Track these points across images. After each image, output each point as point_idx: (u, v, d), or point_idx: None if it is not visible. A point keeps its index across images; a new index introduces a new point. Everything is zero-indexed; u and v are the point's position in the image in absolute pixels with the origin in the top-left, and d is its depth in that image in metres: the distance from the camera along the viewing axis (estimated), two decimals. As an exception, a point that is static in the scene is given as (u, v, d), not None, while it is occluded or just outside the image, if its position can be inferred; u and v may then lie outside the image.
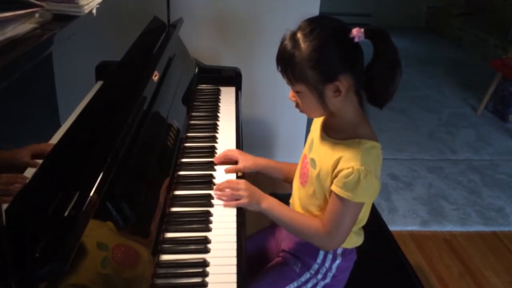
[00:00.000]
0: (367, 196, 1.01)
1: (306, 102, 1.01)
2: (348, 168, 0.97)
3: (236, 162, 1.31)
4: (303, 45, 0.95)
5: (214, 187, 1.20)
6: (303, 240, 1.13)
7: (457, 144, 3.06)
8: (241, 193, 1.14)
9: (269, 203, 1.11)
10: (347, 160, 0.99)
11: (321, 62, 0.94)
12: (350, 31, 0.95)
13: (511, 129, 3.30)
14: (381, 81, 0.96)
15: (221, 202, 1.16)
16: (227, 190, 1.16)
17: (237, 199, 1.14)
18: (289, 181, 1.29)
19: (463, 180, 2.64)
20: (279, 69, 1.01)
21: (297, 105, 1.04)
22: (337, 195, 1.00)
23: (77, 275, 0.72)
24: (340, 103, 1.00)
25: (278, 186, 2.50)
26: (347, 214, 1.01)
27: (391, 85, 0.96)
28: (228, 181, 1.20)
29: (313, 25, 0.96)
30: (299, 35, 0.96)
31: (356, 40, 0.95)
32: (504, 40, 4.31)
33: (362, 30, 0.94)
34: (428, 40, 5.38)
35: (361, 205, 1.02)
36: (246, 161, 1.30)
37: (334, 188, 1.00)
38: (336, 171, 1.00)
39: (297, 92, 1.01)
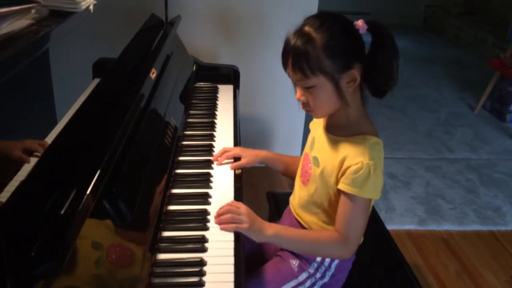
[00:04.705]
0: (374, 192, 1.00)
1: (320, 97, 0.99)
2: (356, 163, 0.97)
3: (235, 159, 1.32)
4: (316, 37, 0.95)
5: (215, 215, 1.09)
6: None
7: (455, 143, 3.06)
8: (242, 218, 1.05)
9: (275, 230, 1.06)
10: (354, 156, 0.99)
11: (338, 50, 0.95)
12: (354, 23, 0.98)
13: (508, 128, 3.30)
14: (381, 72, 0.98)
15: (219, 201, 1.15)
16: (227, 215, 1.07)
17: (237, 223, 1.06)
18: (287, 174, 1.30)
19: (460, 179, 2.64)
20: (289, 68, 0.99)
21: (306, 105, 1.02)
22: (345, 195, 1.00)
23: (71, 275, 0.71)
24: (351, 95, 1.00)
25: (277, 184, 2.53)
26: (358, 212, 1.01)
27: (391, 76, 0.98)
28: (228, 204, 1.10)
29: (321, 18, 0.98)
30: (308, 29, 0.96)
31: (360, 31, 0.97)
32: (502, 40, 4.31)
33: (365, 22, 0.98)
34: (427, 39, 5.38)
35: (369, 201, 1.02)
36: (249, 156, 1.31)
37: (341, 186, 1.00)
38: (343, 169, 1.00)
39: (309, 88, 0.99)
